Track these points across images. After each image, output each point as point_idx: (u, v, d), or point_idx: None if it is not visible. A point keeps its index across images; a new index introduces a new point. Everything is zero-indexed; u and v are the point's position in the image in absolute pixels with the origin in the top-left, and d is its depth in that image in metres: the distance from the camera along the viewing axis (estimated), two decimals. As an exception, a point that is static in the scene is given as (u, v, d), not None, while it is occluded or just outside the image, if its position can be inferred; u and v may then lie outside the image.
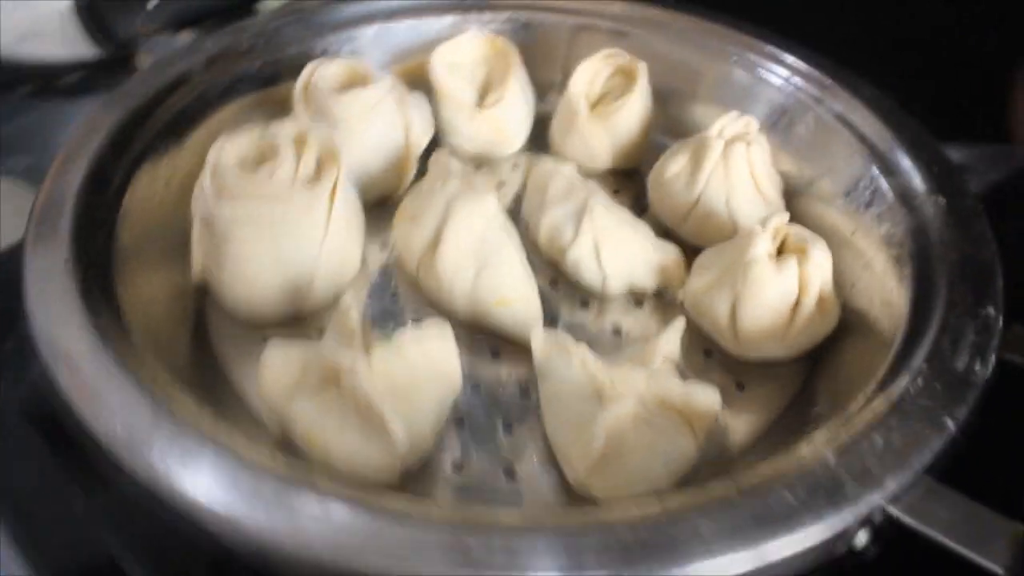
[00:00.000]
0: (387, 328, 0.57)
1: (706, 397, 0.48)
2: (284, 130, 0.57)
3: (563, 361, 0.51)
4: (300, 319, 0.58)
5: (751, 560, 0.39)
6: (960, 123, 0.59)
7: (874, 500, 0.41)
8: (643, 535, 0.39)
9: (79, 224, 0.53)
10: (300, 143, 0.56)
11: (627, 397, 0.48)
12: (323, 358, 0.49)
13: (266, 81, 0.68)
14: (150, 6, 0.69)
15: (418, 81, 0.70)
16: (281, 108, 0.68)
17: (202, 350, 0.56)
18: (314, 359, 0.49)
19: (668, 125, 0.71)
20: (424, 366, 0.50)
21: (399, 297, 0.60)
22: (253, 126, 0.57)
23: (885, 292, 0.55)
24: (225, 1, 0.73)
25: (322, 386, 0.49)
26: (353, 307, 0.52)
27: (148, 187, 0.59)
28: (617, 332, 0.59)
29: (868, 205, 0.60)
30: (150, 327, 0.52)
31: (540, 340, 0.52)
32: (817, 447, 0.44)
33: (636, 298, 0.61)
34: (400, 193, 0.66)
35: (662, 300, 0.60)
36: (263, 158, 0.57)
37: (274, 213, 0.54)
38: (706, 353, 0.57)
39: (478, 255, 0.56)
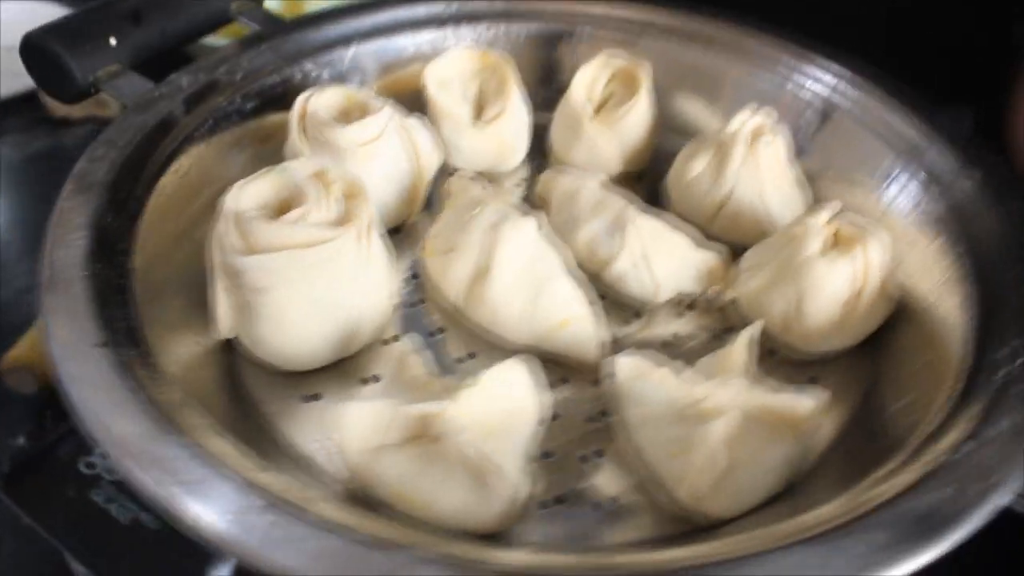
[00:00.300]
0: (435, 366, 0.54)
1: (810, 400, 0.47)
2: (303, 169, 0.53)
3: (650, 383, 0.49)
4: (341, 363, 0.54)
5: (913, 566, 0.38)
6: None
7: (1018, 484, 0.41)
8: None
9: (99, 301, 0.47)
10: (321, 181, 0.52)
11: (729, 410, 0.46)
12: (408, 412, 0.45)
13: (249, 115, 0.63)
14: (112, 43, 0.62)
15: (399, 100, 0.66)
16: (268, 141, 0.63)
17: (243, 407, 0.52)
18: (397, 414, 0.45)
19: (668, 124, 0.70)
20: (509, 405, 0.48)
21: (442, 332, 0.57)
22: (266, 169, 0.53)
23: (938, 272, 0.55)
24: (192, 30, 0.67)
25: (409, 441, 0.45)
26: (415, 353, 0.49)
27: (155, 245, 0.54)
28: (670, 341, 0.57)
29: (894, 185, 0.60)
30: (195, 394, 0.47)
31: (624, 365, 0.49)
32: (946, 440, 0.43)
33: (682, 304, 0.59)
34: (411, 220, 0.63)
35: (706, 303, 0.59)
36: (284, 202, 0.52)
37: (314, 259, 0.50)
38: (769, 352, 0.56)
39: (530, 280, 0.53)
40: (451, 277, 0.55)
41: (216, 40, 0.78)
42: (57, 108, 0.98)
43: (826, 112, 0.66)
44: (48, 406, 0.74)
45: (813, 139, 0.66)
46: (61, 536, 0.56)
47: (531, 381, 0.49)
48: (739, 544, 0.40)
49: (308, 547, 0.38)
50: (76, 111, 0.96)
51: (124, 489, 0.61)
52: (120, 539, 0.56)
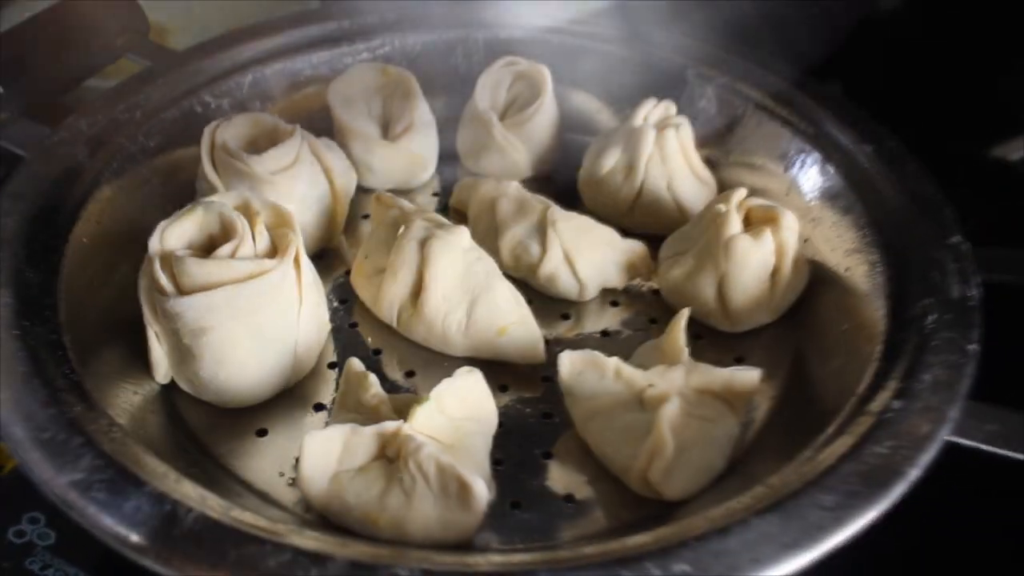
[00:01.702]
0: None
1: (747, 376, 0.50)
2: (226, 203, 0.52)
3: (594, 376, 0.51)
4: (284, 394, 0.54)
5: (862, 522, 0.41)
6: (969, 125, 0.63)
7: (945, 433, 0.44)
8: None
9: (35, 360, 0.46)
10: (246, 213, 0.52)
11: (673, 395, 0.48)
12: (364, 434, 0.46)
13: (153, 152, 0.62)
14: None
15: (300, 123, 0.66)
16: (175, 177, 0.62)
17: (193, 451, 0.51)
18: (353, 438, 0.46)
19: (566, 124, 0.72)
20: (464, 415, 0.49)
21: (379, 353, 0.57)
22: (188, 206, 0.52)
23: (844, 242, 0.58)
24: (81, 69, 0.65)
25: (369, 464, 0.46)
26: (364, 376, 0.50)
27: (79, 296, 0.53)
28: (601, 338, 0.59)
29: (794, 165, 0.64)
30: (145, 444, 0.47)
31: (567, 362, 0.51)
32: (876, 402, 0.46)
33: (610, 299, 0.61)
34: (333, 244, 0.63)
35: (631, 295, 0.61)
36: (211, 238, 0.52)
37: (252, 293, 0.49)
38: (695, 336, 0.58)
39: (466, 290, 0.54)
40: (384, 298, 0.55)
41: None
42: None
43: (723, 101, 0.69)
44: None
45: (713, 128, 0.69)
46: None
47: (486, 390, 0.50)
48: (701, 523, 0.42)
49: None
50: None
51: (61, 553, 0.60)
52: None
